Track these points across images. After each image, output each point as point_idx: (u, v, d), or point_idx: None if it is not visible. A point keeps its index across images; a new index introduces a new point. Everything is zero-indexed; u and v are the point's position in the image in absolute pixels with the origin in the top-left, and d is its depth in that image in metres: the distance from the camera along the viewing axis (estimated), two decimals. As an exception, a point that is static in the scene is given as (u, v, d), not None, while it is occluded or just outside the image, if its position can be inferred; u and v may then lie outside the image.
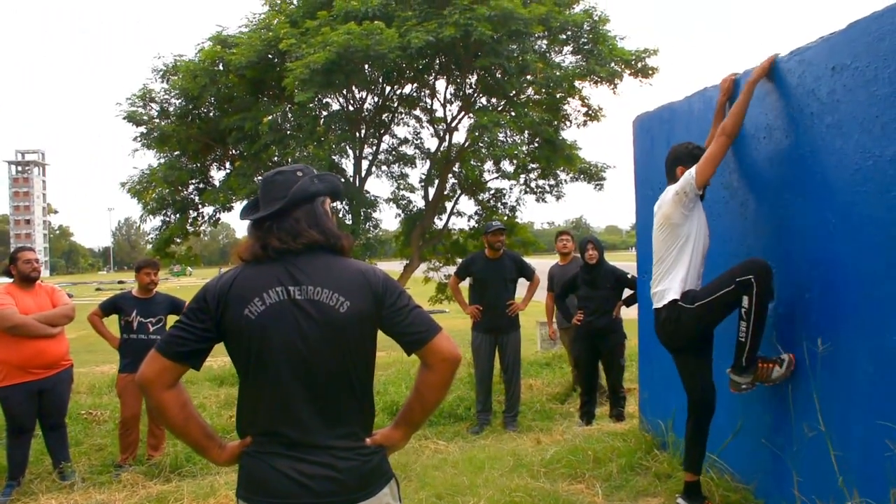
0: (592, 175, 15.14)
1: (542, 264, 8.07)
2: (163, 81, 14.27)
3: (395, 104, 15.18)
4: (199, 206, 15.41)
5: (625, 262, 8.26)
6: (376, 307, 2.03)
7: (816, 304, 3.32)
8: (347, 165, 15.14)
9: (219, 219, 15.70)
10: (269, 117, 13.12)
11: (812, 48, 3.36)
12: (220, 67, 13.39)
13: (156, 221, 15.38)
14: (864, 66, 3.02)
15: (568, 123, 14.74)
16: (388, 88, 14.64)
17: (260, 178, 2.18)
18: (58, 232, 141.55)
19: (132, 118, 14.10)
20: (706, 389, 3.74)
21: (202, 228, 16.17)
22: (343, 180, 14.61)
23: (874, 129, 2.97)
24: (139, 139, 14.51)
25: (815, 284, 3.33)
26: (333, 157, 13.90)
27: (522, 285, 7.32)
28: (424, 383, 2.08)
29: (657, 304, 3.80)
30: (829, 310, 3.23)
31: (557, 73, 13.24)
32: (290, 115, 13.60)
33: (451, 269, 7.99)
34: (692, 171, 3.57)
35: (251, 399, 2.04)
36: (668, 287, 3.70)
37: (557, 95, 13.91)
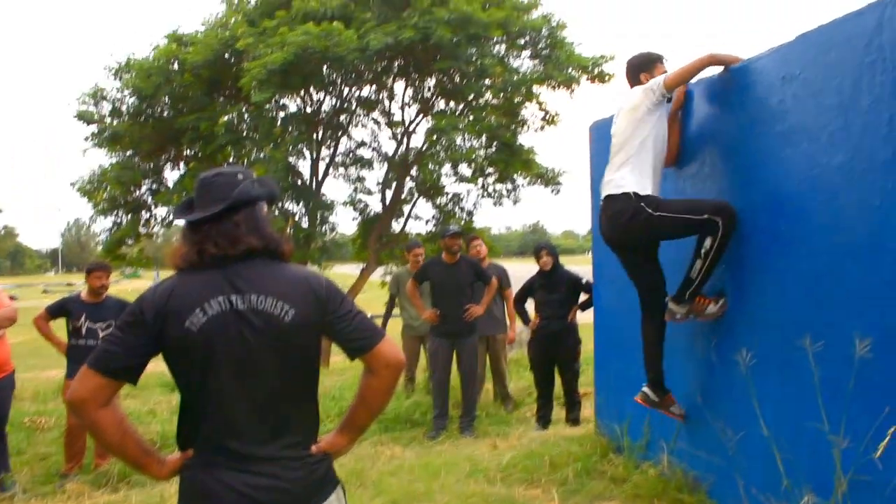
0: (549, 179, 15.21)
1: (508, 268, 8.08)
2: (116, 79, 13.98)
3: (354, 106, 15.07)
4: (152, 208, 15.14)
5: (582, 266, 8.32)
6: (321, 314, 2.01)
7: (770, 309, 3.37)
8: (304, 167, 15.00)
9: (172, 221, 15.43)
10: (226, 118, 12.95)
11: (763, 58, 3.42)
12: (176, 66, 13.16)
13: (107, 222, 15.07)
14: (812, 77, 3.08)
15: (525, 128, 14.78)
16: (346, 90, 14.53)
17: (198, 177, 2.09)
18: (2, 232, 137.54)
19: (83, 117, 13.79)
20: (657, 282, 3.83)
21: (155, 230, 15.88)
22: (300, 183, 14.50)
23: (821, 139, 3.03)
24: (91, 138, 14.19)
25: (768, 290, 3.38)
26: (290, 159, 13.76)
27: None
28: (369, 388, 2.07)
29: (610, 192, 3.75)
30: (782, 316, 3.28)
31: (515, 78, 13.28)
32: (246, 115, 13.43)
33: (409, 273, 7.95)
34: (659, 77, 3.67)
35: (194, 413, 1.98)
36: (626, 179, 3.67)
37: (515, 100, 13.96)
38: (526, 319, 7.10)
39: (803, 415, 3.08)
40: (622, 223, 3.70)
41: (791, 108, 3.21)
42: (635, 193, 3.62)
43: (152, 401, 8.57)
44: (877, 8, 2.77)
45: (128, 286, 49.07)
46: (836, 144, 2.95)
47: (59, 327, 6.11)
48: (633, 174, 3.65)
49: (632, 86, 3.95)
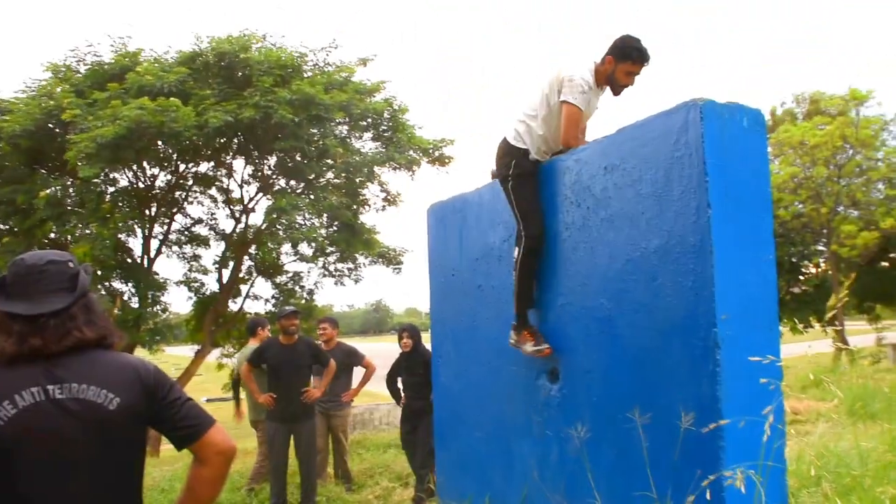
0: (391, 259, 15.40)
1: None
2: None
3: (190, 182, 14.63)
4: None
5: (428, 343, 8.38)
6: (147, 401, 1.90)
7: (598, 384, 3.54)
8: (135, 245, 14.28)
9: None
10: (48, 191, 12.11)
11: (587, 149, 3.69)
12: (-10, 134, 12.23)
13: None
14: (631, 168, 3.36)
15: (367, 207, 14.99)
16: (182, 166, 14.10)
17: (17, 260, 1.92)
18: None
19: None
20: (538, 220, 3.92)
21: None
22: (130, 261, 13.76)
23: (640, 224, 3.29)
24: None
25: (596, 366, 3.55)
26: (119, 236, 13.03)
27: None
28: (198, 479, 1.96)
29: (511, 139, 3.99)
30: (612, 390, 3.45)
31: (357, 159, 13.49)
32: (71, 189, 12.65)
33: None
34: (578, 96, 3.75)
35: None
36: (523, 135, 3.94)
37: (357, 180, 14.15)
38: (398, 398, 7.13)
39: (633, 485, 3.22)
40: (497, 159, 4.07)
41: (613, 196, 3.47)
42: (525, 152, 3.93)
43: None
44: (682, 109, 3.09)
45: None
46: (653, 229, 3.21)
47: None
48: (529, 135, 3.93)
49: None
